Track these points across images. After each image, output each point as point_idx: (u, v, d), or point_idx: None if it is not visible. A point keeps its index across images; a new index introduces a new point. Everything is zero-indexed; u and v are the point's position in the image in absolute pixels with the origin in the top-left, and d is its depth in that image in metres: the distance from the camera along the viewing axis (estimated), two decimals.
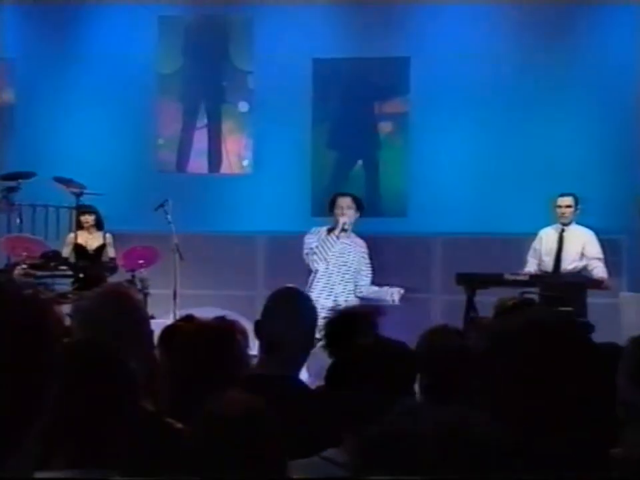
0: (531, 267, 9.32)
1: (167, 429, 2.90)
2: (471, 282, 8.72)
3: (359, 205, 8.64)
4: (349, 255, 8.37)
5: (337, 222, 8.42)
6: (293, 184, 11.50)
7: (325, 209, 11.47)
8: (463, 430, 1.66)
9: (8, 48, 11.62)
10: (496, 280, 8.68)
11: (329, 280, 8.27)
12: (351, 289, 8.32)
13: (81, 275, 9.88)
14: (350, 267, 8.33)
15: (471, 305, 8.54)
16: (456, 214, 11.08)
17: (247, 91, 11.66)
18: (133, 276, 9.99)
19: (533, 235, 10.22)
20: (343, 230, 8.38)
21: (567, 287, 8.45)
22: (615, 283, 9.44)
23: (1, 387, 1.62)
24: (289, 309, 3.78)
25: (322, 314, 7.44)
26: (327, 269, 8.30)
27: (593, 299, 9.03)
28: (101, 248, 10.39)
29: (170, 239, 10.23)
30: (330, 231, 8.45)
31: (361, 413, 2.66)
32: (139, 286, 9.94)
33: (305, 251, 8.48)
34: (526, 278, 8.81)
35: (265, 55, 11.49)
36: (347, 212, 8.44)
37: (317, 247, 8.37)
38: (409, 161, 11.47)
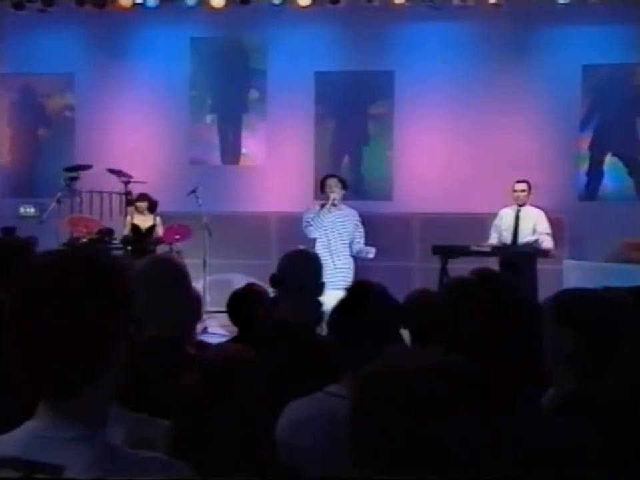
0: (493, 240, 9.44)
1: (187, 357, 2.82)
2: (444, 252, 8.91)
3: (344, 184, 8.83)
4: (343, 225, 8.47)
5: (327, 198, 8.62)
6: (298, 173, 11.67)
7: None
8: (447, 366, 1.61)
9: (69, 64, 11.84)
10: (465, 251, 8.86)
11: (328, 245, 8.43)
12: (347, 253, 8.48)
13: (129, 248, 10.25)
14: (343, 233, 8.48)
15: (444, 272, 8.74)
16: (432, 197, 11.27)
17: (263, 98, 11.85)
18: (171, 249, 10.28)
19: (494, 214, 10.48)
20: (333, 205, 8.58)
21: (521, 256, 8.62)
22: (559, 253, 9.62)
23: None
24: (305, 261, 3.85)
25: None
26: (326, 236, 8.49)
27: (542, 266, 9.24)
28: (152, 228, 10.61)
29: (199, 218, 10.49)
30: (323, 205, 8.66)
31: (358, 356, 2.45)
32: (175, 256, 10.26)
33: (304, 224, 8.66)
34: (489, 249, 9.02)
35: (276, 69, 11.68)
36: (334, 189, 8.59)
37: (312, 218, 8.59)
38: (393, 154, 11.65)
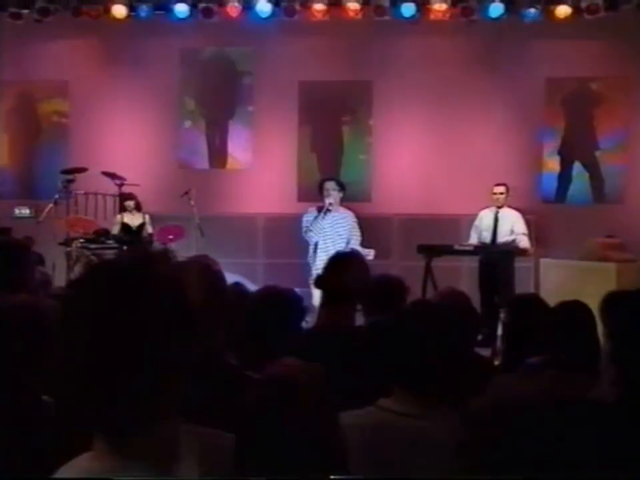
0: (473, 240, 9.27)
1: (246, 380, 2.53)
2: (429, 251, 8.70)
3: (342, 186, 8.50)
4: (340, 226, 8.23)
5: (324, 202, 8.32)
6: (282, 176, 11.43)
7: (308, 195, 11.60)
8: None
9: (63, 72, 11.45)
10: (448, 250, 8.68)
11: (327, 248, 8.15)
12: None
13: (125, 247, 9.87)
14: (343, 234, 8.21)
15: (429, 269, 8.54)
16: (409, 199, 11.12)
17: (249, 106, 11.56)
18: (165, 248, 9.94)
19: (467, 215, 10.37)
20: (328, 209, 8.28)
21: (501, 255, 8.48)
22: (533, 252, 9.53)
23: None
24: (351, 266, 3.55)
25: None
26: (324, 240, 8.21)
27: (516, 264, 9.02)
28: (142, 226, 10.34)
29: (188, 219, 10.22)
30: (320, 209, 8.37)
31: (408, 369, 2.35)
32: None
33: (303, 229, 8.39)
34: (471, 248, 8.82)
35: (262, 78, 11.40)
36: (332, 193, 8.33)
37: (311, 224, 8.30)
38: (372, 159, 11.47)
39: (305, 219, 8.41)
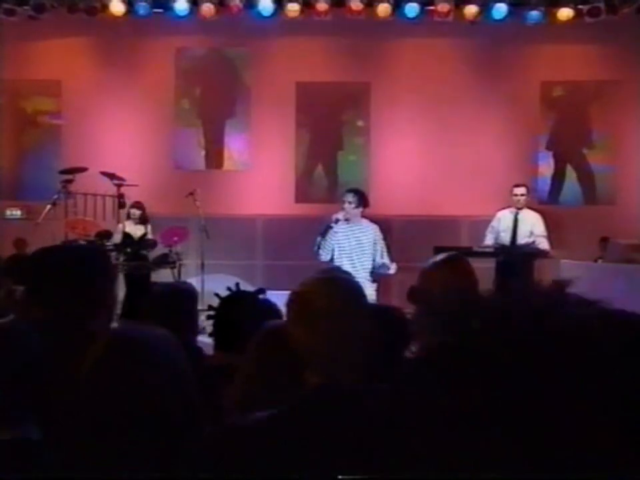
0: (489, 241, 8.94)
1: None
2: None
3: (360, 199, 7.62)
4: (361, 237, 7.44)
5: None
6: (280, 177, 11.22)
7: (305, 197, 11.41)
8: None
9: (56, 71, 11.06)
10: (467, 252, 8.06)
11: (350, 255, 7.49)
12: (367, 265, 7.52)
13: (129, 250, 9.54)
14: (364, 245, 7.45)
15: None
16: (406, 201, 11.01)
17: (247, 107, 11.32)
18: (170, 250, 9.66)
19: (467, 217, 10.32)
20: (336, 221, 7.38)
21: (521, 256, 8.33)
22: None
23: None
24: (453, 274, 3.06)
25: None
26: (344, 249, 7.49)
27: None
28: (143, 236, 9.85)
29: (190, 220, 10.02)
30: (337, 221, 7.53)
31: None
32: (175, 258, 9.65)
33: (314, 248, 7.64)
34: (491, 250, 8.59)
35: (260, 79, 11.17)
36: (346, 206, 7.53)
37: (320, 243, 7.54)
38: (370, 160, 11.32)
39: (322, 234, 7.59)
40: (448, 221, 10.87)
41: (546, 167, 11.34)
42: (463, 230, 10.92)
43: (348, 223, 7.57)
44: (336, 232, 7.52)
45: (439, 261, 3.29)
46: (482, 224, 10.43)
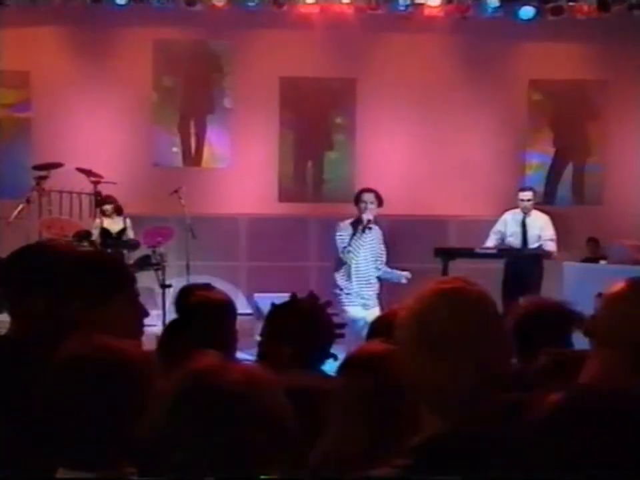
0: (491, 242, 8.52)
1: None
2: (447, 255, 7.94)
3: (380, 200, 7.29)
4: (372, 242, 7.29)
5: (360, 215, 7.11)
6: (262, 175, 10.77)
7: (289, 195, 11.00)
8: None
9: (25, 62, 10.38)
10: (469, 253, 8.08)
11: (366, 267, 7.04)
12: (373, 272, 7.12)
13: (109, 251, 8.96)
14: (375, 251, 7.17)
15: (445, 274, 7.58)
16: (394, 199, 10.55)
17: (229, 103, 10.82)
18: (154, 251, 9.11)
19: (456, 217, 10.05)
20: (368, 227, 7.22)
21: (528, 258, 8.02)
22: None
23: None
24: None
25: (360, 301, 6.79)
26: (357, 260, 7.17)
27: None
28: (122, 231, 9.36)
29: (170, 220, 9.53)
30: (354, 224, 7.10)
31: None
32: (158, 259, 9.13)
33: (340, 250, 7.17)
34: (494, 251, 8.24)
35: (242, 73, 10.68)
36: (370, 207, 7.07)
37: (349, 244, 7.18)
38: (356, 158, 10.95)
39: (339, 236, 7.06)
40: (436, 221, 10.59)
41: (535, 166, 11.14)
42: (451, 229, 10.65)
43: (372, 228, 7.19)
44: (361, 236, 7.06)
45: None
46: (470, 223, 10.21)
